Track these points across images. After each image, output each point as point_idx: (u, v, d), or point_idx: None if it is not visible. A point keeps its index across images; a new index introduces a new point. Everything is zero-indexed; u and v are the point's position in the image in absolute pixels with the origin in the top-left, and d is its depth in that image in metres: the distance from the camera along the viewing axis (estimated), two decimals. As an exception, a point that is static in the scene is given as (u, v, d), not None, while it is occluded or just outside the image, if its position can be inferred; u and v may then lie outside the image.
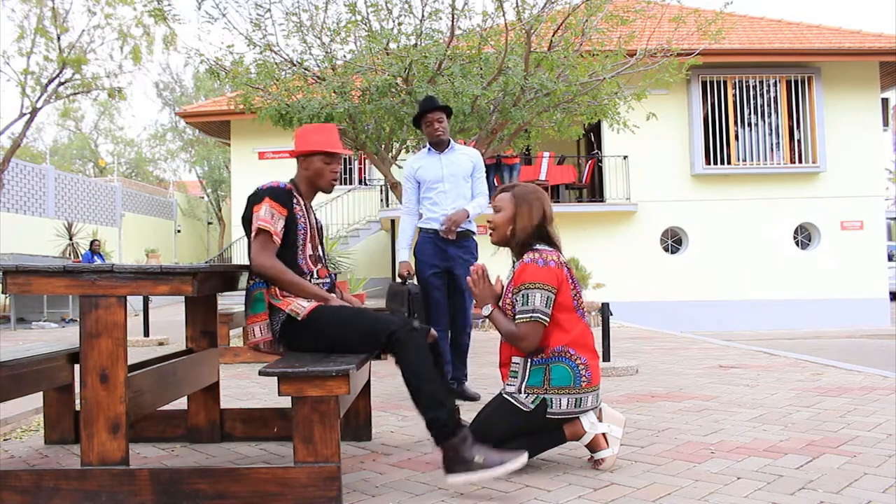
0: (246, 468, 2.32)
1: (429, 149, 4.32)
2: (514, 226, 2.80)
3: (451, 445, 2.45)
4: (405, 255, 4.35)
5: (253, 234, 2.68)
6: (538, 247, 2.77)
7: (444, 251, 4.19)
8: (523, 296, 2.67)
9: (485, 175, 4.40)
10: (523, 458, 2.42)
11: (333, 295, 2.84)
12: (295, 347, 2.72)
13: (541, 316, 2.65)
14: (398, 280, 4.28)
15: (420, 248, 4.25)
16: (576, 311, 2.73)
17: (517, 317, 2.68)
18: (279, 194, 2.73)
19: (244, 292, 2.83)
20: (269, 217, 2.67)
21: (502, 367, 2.81)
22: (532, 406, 2.66)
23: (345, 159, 16.85)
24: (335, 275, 3.03)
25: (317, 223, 2.96)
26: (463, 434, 2.47)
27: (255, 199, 2.73)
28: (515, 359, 2.75)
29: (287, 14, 7.29)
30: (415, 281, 4.22)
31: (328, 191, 2.93)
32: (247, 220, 2.75)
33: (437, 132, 4.22)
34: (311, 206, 2.93)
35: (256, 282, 2.76)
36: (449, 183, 4.22)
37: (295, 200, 2.79)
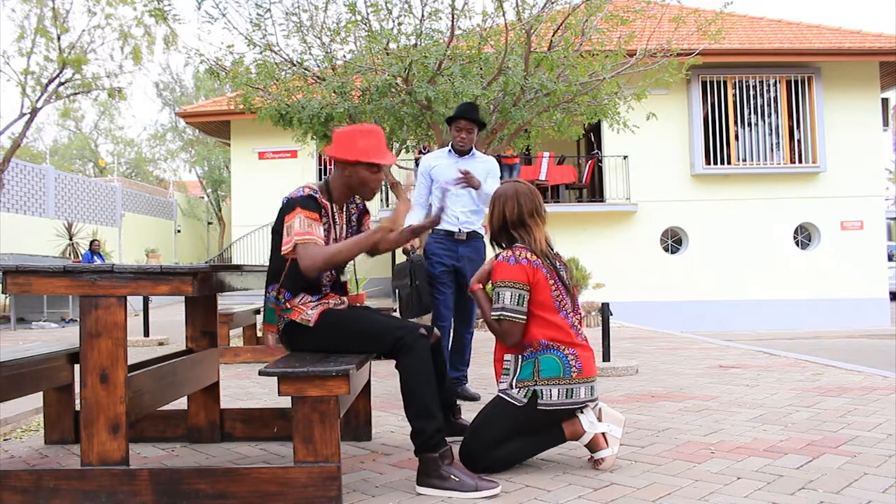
0: (246, 468, 2.32)
1: (450, 150, 4.38)
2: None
3: (430, 459, 2.46)
4: None
5: (290, 248, 2.57)
6: (515, 245, 2.80)
7: (454, 251, 4.26)
8: (496, 293, 2.74)
9: (499, 181, 4.38)
10: (497, 489, 2.43)
11: (376, 231, 2.65)
12: (299, 350, 2.72)
13: (509, 314, 2.70)
14: (403, 255, 4.31)
15: (430, 248, 4.31)
16: (558, 312, 2.74)
17: (491, 313, 2.76)
18: (309, 203, 2.62)
19: (246, 293, 2.82)
20: (307, 227, 2.57)
21: (496, 364, 2.84)
22: (524, 400, 2.68)
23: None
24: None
25: (350, 217, 2.84)
26: (444, 451, 2.48)
27: (286, 209, 2.63)
28: (507, 356, 2.78)
29: (287, 14, 7.28)
30: (419, 252, 4.25)
31: (370, 199, 2.84)
32: (277, 232, 2.67)
33: (462, 141, 4.27)
34: (343, 208, 2.81)
35: (271, 295, 2.73)
36: (461, 187, 4.24)
37: (322, 210, 2.68)
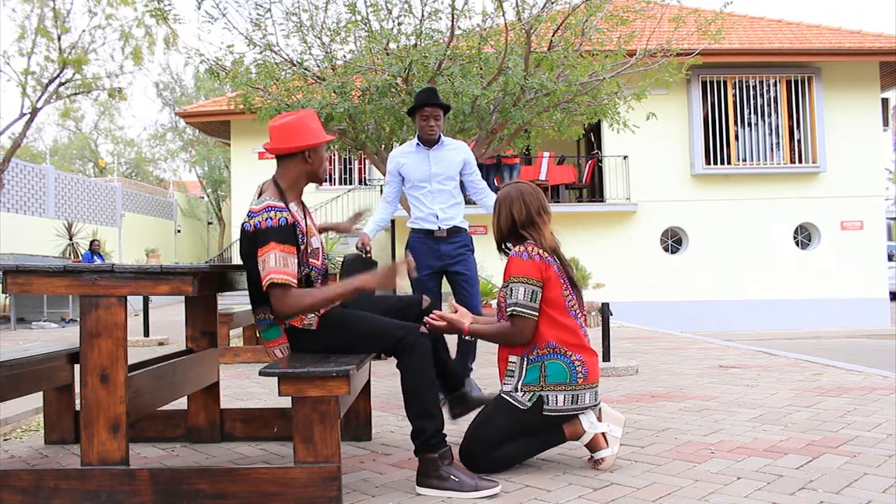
0: (246, 468, 2.32)
1: (417, 143, 4.12)
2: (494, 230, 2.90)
3: (430, 459, 2.46)
4: (367, 229, 4.15)
5: (265, 286, 2.49)
6: (527, 241, 2.79)
7: (437, 250, 4.07)
8: (509, 289, 2.72)
9: (475, 165, 4.21)
10: (497, 489, 2.43)
11: (361, 277, 2.63)
12: (301, 352, 2.72)
13: (522, 310, 2.67)
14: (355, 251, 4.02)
15: (412, 249, 4.10)
16: (568, 312, 2.73)
17: (507, 310, 2.72)
18: (283, 234, 2.49)
19: (246, 293, 2.79)
20: (282, 265, 2.47)
21: (499, 364, 2.83)
22: (529, 404, 2.67)
23: (345, 159, 16.87)
24: (326, 267, 2.93)
25: (305, 213, 2.78)
26: (444, 451, 2.48)
27: (256, 240, 2.50)
28: (512, 357, 2.76)
29: (287, 14, 7.29)
30: (371, 254, 3.96)
31: (323, 181, 2.84)
32: (248, 256, 2.56)
33: (430, 130, 4.01)
34: (300, 202, 2.75)
35: (263, 318, 2.67)
36: (437, 182, 4.06)
37: (296, 224, 2.57)
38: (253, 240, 2.52)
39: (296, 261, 2.53)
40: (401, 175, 4.16)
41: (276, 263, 2.47)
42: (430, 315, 2.77)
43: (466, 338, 2.83)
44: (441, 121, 4.07)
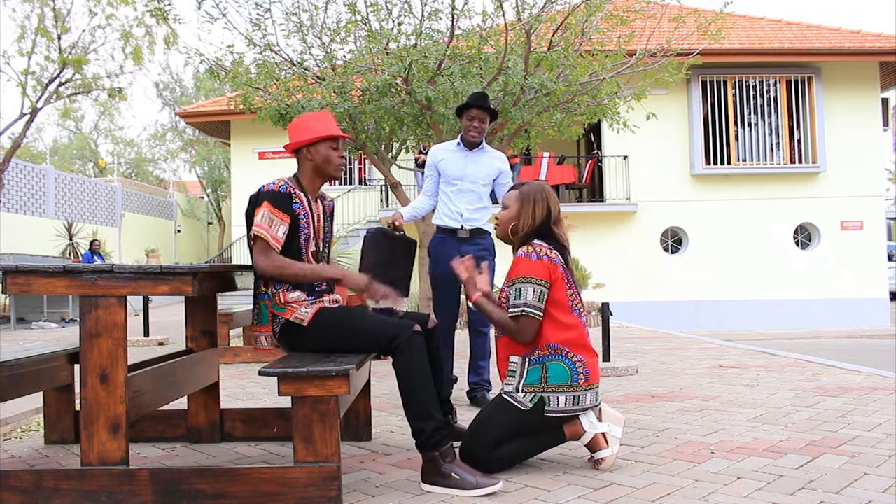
0: (246, 468, 2.32)
1: (458, 143, 4.17)
2: (517, 223, 2.84)
3: (432, 458, 2.49)
4: (403, 211, 4.16)
5: (251, 239, 2.65)
6: (535, 242, 2.78)
7: (459, 250, 4.04)
8: (517, 289, 2.70)
9: (510, 180, 4.19)
10: (498, 486, 2.44)
11: (347, 270, 2.77)
12: (297, 350, 2.72)
13: (532, 311, 2.67)
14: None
15: (434, 247, 4.14)
16: (571, 312, 2.73)
17: (510, 310, 2.71)
18: (279, 199, 2.65)
19: (246, 293, 2.82)
20: (268, 224, 2.61)
21: (500, 364, 2.83)
22: (530, 405, 2.67)
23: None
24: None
25: (324, 212, 2.89)
26: (445, 450, 2.50)
27: (255, 200, 2.67)
28: (513, 358, 2.76)
29: (287, 14, 7.30)
30: (404, 232, 3.83)
31: (339, 176, 2.91)
32: (249, 217, 2.72)
33: (473, 132, 4.05)
34: (317, 198, 2.85)
35: (263, 292, 2.73)
36: (468, 182, 4.08)
37: (297, 202, 2.71)
38: (254, 198, 2.69)
39: (285, 228, 2.66)
40: (438, 171, 4.19)
41: (262, 220, 2.62)
42: (462, 259, 2.90)
43: (469, 305, 2.86)
44: (486, 124, 4.09)
